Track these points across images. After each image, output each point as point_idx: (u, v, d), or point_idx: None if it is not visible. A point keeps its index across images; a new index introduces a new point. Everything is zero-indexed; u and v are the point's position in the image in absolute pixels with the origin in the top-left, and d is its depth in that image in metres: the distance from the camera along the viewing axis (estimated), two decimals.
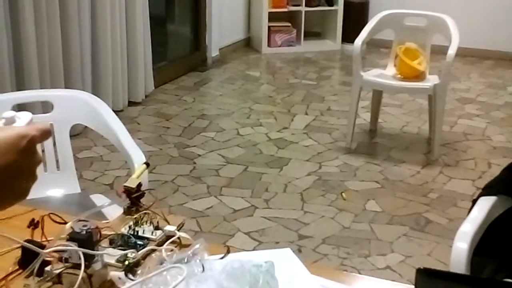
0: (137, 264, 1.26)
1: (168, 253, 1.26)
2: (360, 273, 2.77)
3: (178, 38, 6.15)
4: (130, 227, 1.37)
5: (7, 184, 0.85)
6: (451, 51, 3.83)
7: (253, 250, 2.94)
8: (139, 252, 1.28)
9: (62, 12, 3.98)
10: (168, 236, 1.37)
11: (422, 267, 0.98)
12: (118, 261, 1.26)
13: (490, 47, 6.41)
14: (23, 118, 0.93)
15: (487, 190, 1.86)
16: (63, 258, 1.18)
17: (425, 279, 0.98)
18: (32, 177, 0.90)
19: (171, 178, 3.72)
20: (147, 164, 1.61)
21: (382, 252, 3.04)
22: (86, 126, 2.45)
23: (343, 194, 3.58)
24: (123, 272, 1.23)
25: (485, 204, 1.79)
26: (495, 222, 1.78)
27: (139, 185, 1.43)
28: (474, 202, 1.83)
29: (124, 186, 1.42)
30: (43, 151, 2.31)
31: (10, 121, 0.92)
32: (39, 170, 0.91)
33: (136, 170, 1.54)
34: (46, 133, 0.91)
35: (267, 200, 3.50)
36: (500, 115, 4.89)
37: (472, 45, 6.14)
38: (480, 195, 1.84)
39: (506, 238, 1.82)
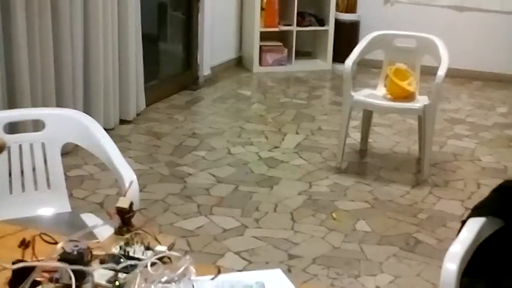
0: (127, 284, 1.26)
1: (158, 273, 1.26)
2: None
3: (170, 57, 6.17)
4: (121, 247, 1.37)
5: None
6: (441, 72, 3.87)
7: (243, 270, 2.95)
8: (130, 273, 1.29)
9: (54, 30, 3.99)
10: (160, 257, 1.37)
11: None
12: (108, 281, 1.26)
13: (479, 68, 6.46)
14: None
15: (476, 211, 1.88)
16: (54, 278, 1.18)
17: None
18: None
19: (162, 197, 3.72)
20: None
21: (372, 273, 3.04)
22: (77, 145, 2.45)
23: (333, 214, 3.59)
24: None
25: (475, 225, 1.80)
26: (484, 243, 1.80)
27: (131, 204, 1.44)
28: (463, 223, 1.84)
29: (117, 207, 1.42)
30: (33, 169, 2.31)
31: None
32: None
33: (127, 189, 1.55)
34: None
35: (257, 220, 3.51)
36: (489, 136, 4.92)
37: (461, 66, 6.18)
38: (469, 216, 1.86)
39: (495, 259, 1.83)
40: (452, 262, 1.67)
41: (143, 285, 1.21)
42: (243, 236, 3.34)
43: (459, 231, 1.80)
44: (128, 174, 2.08)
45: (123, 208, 1.42)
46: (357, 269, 3.06)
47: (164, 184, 3.90)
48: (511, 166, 4.34)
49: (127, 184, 1.99)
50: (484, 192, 1.95)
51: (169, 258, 1.36)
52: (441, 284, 1.64)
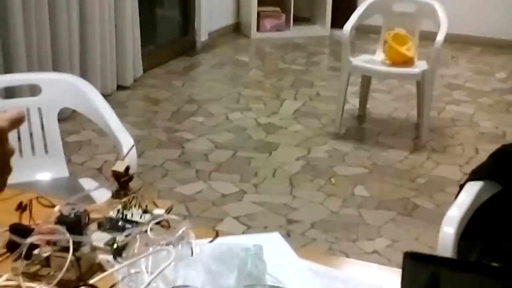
0: (125, 247, 1.26)
1: (157, 236, 1.26)
2: (348, 257, 2.79)
3: (167, 22, 6.12)
4: (118, 210, 1.37)
5: None
6: (440, 37, 3.84)
7: (242, 234, 2.96)
8: (128, 236, 1.29)
9: None
10: (158, 220, 1.37)
11: (409, 251, 0.99)
12: (106, 244, 1.26)
13: (479, 33, 6.42)
14: None
15: (474, 175, 1.87)
16: (52, 241, 1.18)
17: (412, 263, 0.99)
18: (6, 169, 0.87)
19: (160, 162, 3.72)
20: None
21: (370, 237, 3.06)
22: (74, 110, 2.44)
23: (331, 179, 3.60)
24: (112, 255, 1.23)
25: (472, 189, 1.80)
26: (482, 207, 1.80)
27: (127, 168, 1.43)
28: (461, 187, 1.84)
29: (112, 170, 1.42)
30: (31, 134, 2.30)
31: None
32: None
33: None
34: (17, 121, 0.87)
35: (256, 185, 3.51)
36: (488, 101, 4.91)
37: (460, 31, 6.13)
38: (467, 180, 1.86)
39: (492, 223, 1.83)
40: (449, 226, 1.67)
41: (142, 248, 1.21)
42: (241, 201, 3.35)
43: (457, 195, 1.81)
44: (126, 139, 2.08)
45: (119, 172, 1.41)
46: (355, 233, 3.07)
47: (162, 150, 3.89)
48: (510, 131, 4.34)
49: (125, 150, 1.98)
50: (483, 157, 1.94)
51: (167, 221, 1.36)
52: (438, 247, 1.65)
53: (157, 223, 1.35)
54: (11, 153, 0.86)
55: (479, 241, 1.83)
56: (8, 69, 3.75)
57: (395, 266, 1.18)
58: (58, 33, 4.08)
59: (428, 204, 3.37)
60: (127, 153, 1.73)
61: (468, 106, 4.80)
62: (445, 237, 1.65)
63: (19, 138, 2.28)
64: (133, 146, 1.82)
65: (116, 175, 1.41)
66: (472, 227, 1.76)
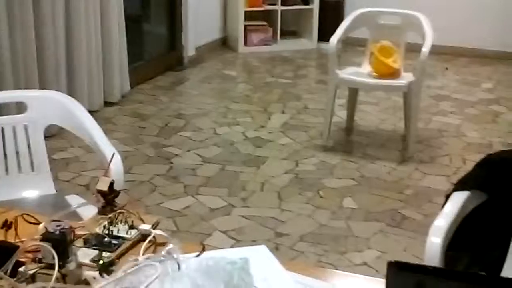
0: (111, 263, 1.26)
1: (143, 251, 1.26)
2: (337, 270, 2.78)
3: (154, 38, 6.13)
4: (104, 226, 1.36)
5: None
6: (425, 49, 3.87)
7: (230, 248, 2.95)
8: (114, 252, 1.28)
9: (36, 11, 3.95)
10: (144, 235, 1.37)
11: (393, 261, 0.99)
12: (92, 260, 1.26)
13: (465, 44, 6.47)
14: None
15: (460, 185, 1.88)
16: (37, 258, 1.18)
17: (396, 272, 0.99)
18: None
19: (148, 178, 3.71)
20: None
21: (359, 249, 3.06)
22: (61, 127, 2.43)
23: (320, 192, 3.60)
24: (98, 272, 1.22)
25: (459, 199, 1.81)
26: (469, 217, 1.80)
27: (111, 184, 1.43)
28: (447, 197, 1.85)
29: (97, 189, 1.42)
30: (17, 152, 2.30)
31: None
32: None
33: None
34: None
35: (244, 199, 3.51)
36: (474, 112, 4.94)
37: (446, 43, 6.19)
38: (453, 190, 1.86)
39: (479, 233, 1.84)
40: (436, 236, 1.68)
41: (128, 264, 1.21)
42: (230, 215, 3.34)
43: (443, 205, 1.81)
44: (111, 154, 2.07)
45: (104, 191, 1.41)
46: (344, 246, 3.07)
47: (150, 165, 3.89)
48: (496, 141, 4.36)
49: (111, 166, 1.98)
50: (470, 167, 1.95)
51: (154, 237, 1.36)
52: (425, 257, 1.65)
53: (144, 238, 1.35)
54: None
55: (467, 251, 1.83)
56: None
57: (384, 278, 1.18)
58: (44, 49, 4.07)
59: (416, 215, 3.38)
60: (110, 162, 1.71)
61: (455, 117, 4.83)
62: (432, 247, 1.66)
63: (5, 155, 2.27)
64: (114, 154, 1.81)
65: (101, 192, 1.41)
66: (459, 237, 1.77)
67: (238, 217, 3.32)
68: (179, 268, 1.19)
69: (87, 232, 1.35)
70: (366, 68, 4.25)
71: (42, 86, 4.03)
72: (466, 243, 1.80)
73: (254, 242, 3.08)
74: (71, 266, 1.18)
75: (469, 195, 1.82)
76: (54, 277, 1.13)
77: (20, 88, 3.82)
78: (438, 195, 3.54)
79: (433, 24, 4.06)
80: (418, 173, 3.86)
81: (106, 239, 1.33)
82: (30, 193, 2.29)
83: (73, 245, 1.23)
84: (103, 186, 1.42)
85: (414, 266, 0.99)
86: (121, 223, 1.38)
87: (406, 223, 3.29)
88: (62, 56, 4.27)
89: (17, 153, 2.29)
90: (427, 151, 4.17)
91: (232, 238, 3.12)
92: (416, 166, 3.95)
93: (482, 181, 1.86)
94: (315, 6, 6.67)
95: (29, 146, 2.30)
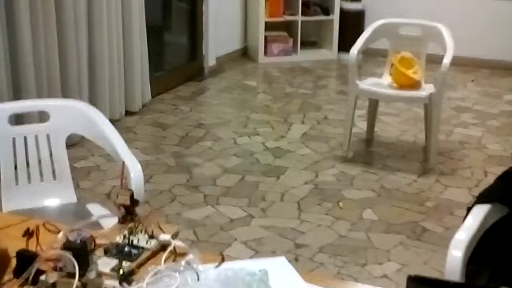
0: (131, 273, 1.26)
1: (163, 261, 1.27)
2: (356, 282, 2.77)
3: (175, 48, 6.16)
4: (124, 236, 1.37)
5: None
6: (446, 60, 3.85)
7: (249, 259, 2.95)
8: (134, 261, 1.29)
9: (58, 22, 4.00)
10: (164, 245, 1.37)
11: (413, 275, 0.99)
12: (112, 270, 1.27)
13: (486, 56, 6.43)
14: None
15: (481, 198, 1.87)
16: (58, 267, 1.19)
17: (416, 287, 0.99)
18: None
19: (168, 187, 3.73)
20: None
21: (379, 261, 3.04)
22: (83, 136, 2.46)
23: (339, 203, 3.59)
24: (118, 281, 1.23)
25: (480, 212, 1.80)
26: (490, 230, 1.79)
27: (132, 195, 1.44)
28: (468, 210, 1.83)
29: (119, 203, 1.43)
30: (39, 161, 2.32)
31: None
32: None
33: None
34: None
35: (264, 209, 3.51)
36: (496, 124, 4.90)
37: (467, 54, 6.15)
38: (475, 203, 1.85)
39: (500, 247, 1.83)
40: (457, 249, 1.66)
41: (148, 274, 1.22)
42: (249, 225, 3.34)
43: (465, 218, 1.80)
44: (133, 165, 2.08)
45: (125, 204, 1.42)
46: (364, 258, 3.06)
47: (171, 175, 3.90)
48: None
49: (132, 175, 1.99)
50: (491, 179, 1.94)
51: (173, 247, 1.37)
52: (446, 271, 1.64)
53: (164, 248, 1.36)
54: None
55: (488, 265, 1.82)
56: (17, 96, 3.78)
57: None
58: (67, 59, 4.11)
59: (437, 227, 3.35)
60: (122, 171, 1.71)
61: (476, 128, 4.79)
62: (452, 261, 1.65)
63: (27, 164, 2.30)
64: (124, 163, 1.81)
65: (122, 204, 1.42)
66: (480, 251, 1.75)
67: (257, 228, 3.32)
68: (198, 278, 1.20)
69: (107, 241, 1.35)
70: (387, 79, 4.23)
71: (65, 95, 4.07)
72: (487, 257, 1.78)
73: (273, 253, 3.08)
74: (91, 275, 1.19)
75: (491, 208, 1.81)
76: (74, 286, 1.14)
77: (43, 96, 3.86)
78: (459, 207, 3.51)
79: (453, 35, 4.04)
80: (439, 185, 3.83)
81: (126, 249, 1.33)
82: (52, 202, 2.31)
83: (94, 254, 1.24)
84: (124, 200, 1.42)
85: (434, 280, 0.99)
86: (141, 233, 1.38)
87: (426, 236, 3.27)
88: (84, 66, 4.31)
89: (39, 161, 2.31)
90: (448, 163, 4.15)
91: (252, 248, 3.12)
92: (437, 178, 3.92)
93: (504, 194, 1.85)
94: (336, 16, 6.67)
95: (51, 155, 2.33)
